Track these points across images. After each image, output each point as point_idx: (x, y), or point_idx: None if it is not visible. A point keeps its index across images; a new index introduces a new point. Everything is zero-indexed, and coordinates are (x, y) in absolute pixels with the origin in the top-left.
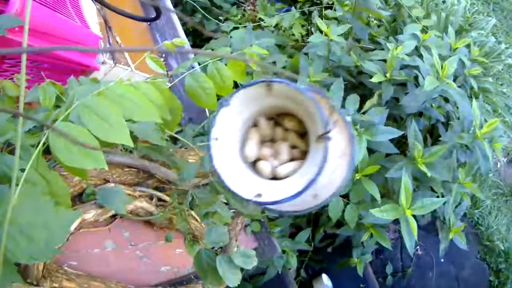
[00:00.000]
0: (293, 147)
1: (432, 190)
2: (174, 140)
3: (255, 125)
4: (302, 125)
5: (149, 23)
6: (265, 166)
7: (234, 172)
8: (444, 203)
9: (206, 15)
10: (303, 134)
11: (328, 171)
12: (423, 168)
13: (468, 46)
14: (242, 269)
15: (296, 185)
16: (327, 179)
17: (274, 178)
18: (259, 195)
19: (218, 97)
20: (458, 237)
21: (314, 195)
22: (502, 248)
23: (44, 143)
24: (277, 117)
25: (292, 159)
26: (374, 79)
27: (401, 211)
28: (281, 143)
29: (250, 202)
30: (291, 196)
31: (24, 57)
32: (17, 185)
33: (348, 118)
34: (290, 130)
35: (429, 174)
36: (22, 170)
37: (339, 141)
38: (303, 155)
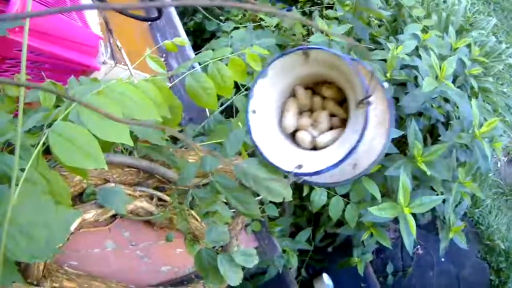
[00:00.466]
0: (332, 115)
1: (432, 189)
2: (174, 140)
3: (292, 95)
4: (340, 92)
5: (149, 23)
6: (305, 136)
7: (273, 145)
8: (444, 202)
9: (207, 15)
10: (341, 102)
11: (368, 138)
12: (423, 166)
13: (468, 46)
14: (243, 268)
15: (337, 154)
16: (367, 147)
17: (314, 148)
18: (299, 166)
19: (219, 97)
20: (458, 236)
21: (354, 164)
22: (503, 247)
23: (44, 143)
24: (314, 86)
25: (331, 128)
26: None
27: (399, 209)
28: (320, 112)
29: (291, 174)
30: (332, 165)
31: (24, 57)
32: (17, 184)
33: (386, 85)
34: (328, 98)
35: (428, 173)
36: (22, 170)
37: (378, 108)
38: (343, 123)
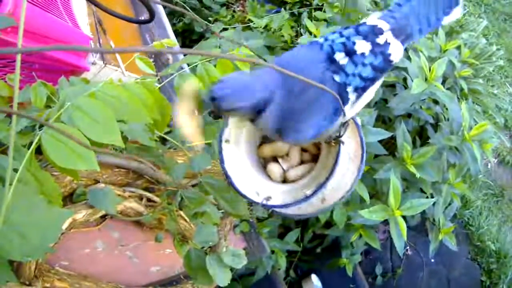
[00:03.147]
0: (304, 150)
1: (422, 191)
2: (163, 141)
3: None
4: None
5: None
6: (275, 169)
7: (243, 175)
8: (433, 204)
9: (196, 16)
10: None
11: (338, 174)
12: (412, 169)
13: (458, 47)
14: (231, 269)
15: (305, 189)
16: (336, 183)
17: (284, 181)
18: (268, 198)
19: None
20: (448, 238)
21: (322, 199)
22: (493, 248)
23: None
24: None
25: (302, 163)
26: None
27: (390, 211)
28: (291, 147)
29: (259, 205)
30: (300, 199)
31: (18, 57)
32: (10, 184)
33: (359, 121)
34: None
35: (418, 175)
36: (14, 170)
37: (350, 145)
38: (314, 158)
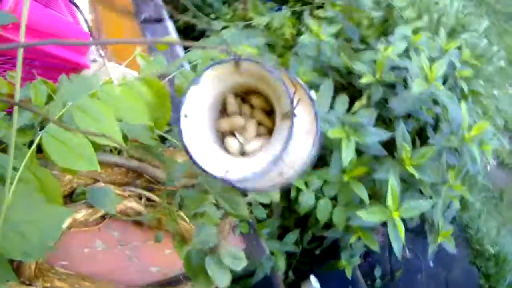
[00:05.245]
0: (260, 124)
1: (421, 192)
2: (163, 140)
3: (223, 102)
4: (268, 103)
5: (140, 21)
6: (233, 143)
7: (203, 149)
8: (432, 207)
9: (197, 13)
10: (269, 112)
11: (293, 148)
12: (411, 170)
13: (459, 48)
14: (231, 271)
15: (263, 162)
16: (293, 157)
17: (242, 154)
18: (227, 172)
19: None
20: (447, 241)
21: (280, 172)
22: (492, 251)
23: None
24: (245, 95)
25: (259, 136)
26: (364, 80)
27: (388, 213)
28: (248, 120)
29: (218, 178)
30: (256, 172)
31: (20, 53)
32: (11, 183)
33: (314, 96)
34: (256, 107)
35: (417, 176)
36: (14, 169)
37: (304, 118)
38: (270, 132)
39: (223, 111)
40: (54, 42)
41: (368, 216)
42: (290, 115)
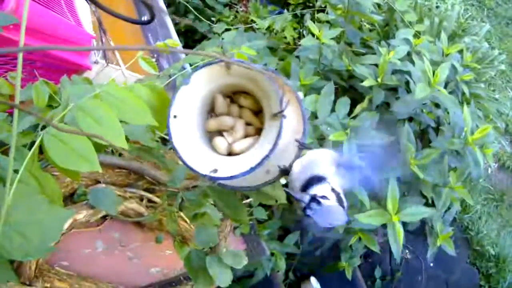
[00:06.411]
0: (248, 124)
1: (422, 194)
2: (164, 142)
3: (212, 102)
4: (257, 103)
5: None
6: (221, 143)
7: (191, 149)
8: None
9: (199, 16)
10: (257, 112)
11: (280, 147)
12: (416, 170)
13: (461, 51)
14: (231, 271)
15: (250, 161)
16: (280, 155)
17: (230, 154)
18: (215, 171)
19: None
20: (446, 243)
21: (266, 171)
22: (493, 252)
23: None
24: (233, 95)
25: (246, 136)
26: (366, 83)
27: (388, 217)
28: (236, 120)
29: (206, 177)
30: (245, 171)
31: (20, 56)
32: (11, 184)
33: (301, 95)
34: (245, 107)
35: (421, 176)
36: (15, 171)
37: (292, 118)
38: (258, 132)
39: (212, 111)
40: (54, 48)
41: (368, 219)
42: (279, 115)
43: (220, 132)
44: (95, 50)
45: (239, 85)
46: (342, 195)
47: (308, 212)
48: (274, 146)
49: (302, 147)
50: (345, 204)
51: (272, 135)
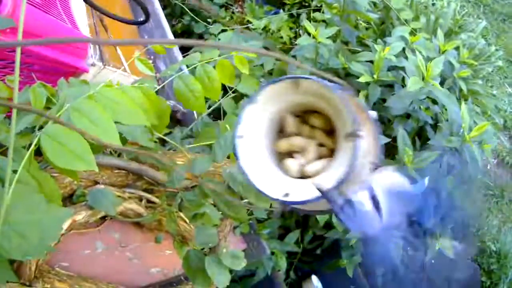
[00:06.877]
0: (320, 145)
1: None
2: (163, 142)
3: (281, 122)
4: (329, 122)
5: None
6: (292, 165)
7: (260, 171)
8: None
9: (195, 17)
10: (330, 132)
11: (355, 169)
12: (413, 173)
13: (457, 48)
14: (231, 271)
15: (324, 184)
16: (353, 178)
17: (302, 177)
18: (286, 195)
19: (206, 100)
20: (445, 248)
21: (339, 192)
22: (494, 248)
23: (34, 144)
24: (303, 114)
25: (319, 157)
26: (361, 80)
27: None
28: (308, 141)
29: (277, 201)
30: (320, 195)
31: (18, 57)
32: (9, 185)
33: (374, 115)
34: (316, 127)
35: (418, 179)
36: (14, 171)
37: (366, 139)
38: (331, 153)
39: (281, 132)
40: (51, 41)
41: None
42: (354, 135)
43: (289, 154)
44: (92, 52)
45: (310, 104)
46: (380, 204)
47: (340, 215)
48: (350, 169)
49: (376, 169)
50: (382, 211)
51: (346, 156)
